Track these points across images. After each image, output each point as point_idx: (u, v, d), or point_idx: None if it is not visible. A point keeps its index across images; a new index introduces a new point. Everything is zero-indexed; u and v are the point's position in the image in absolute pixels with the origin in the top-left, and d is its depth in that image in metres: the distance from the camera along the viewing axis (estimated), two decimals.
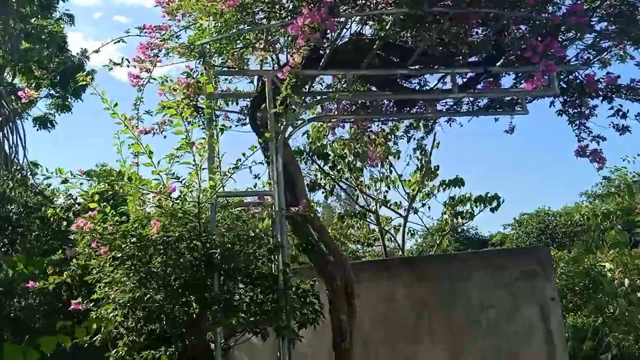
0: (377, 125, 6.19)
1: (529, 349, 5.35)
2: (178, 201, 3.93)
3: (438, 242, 11.16)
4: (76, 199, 8.55)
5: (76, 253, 3.92)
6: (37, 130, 13.98)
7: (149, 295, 3.80)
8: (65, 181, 3.61)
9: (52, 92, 13.99)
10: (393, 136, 6.70)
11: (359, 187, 9.44)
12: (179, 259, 3.91)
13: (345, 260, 4.45)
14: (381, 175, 8.88)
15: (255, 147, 4.33)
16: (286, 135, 4.49)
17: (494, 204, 9.54)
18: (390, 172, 9.00)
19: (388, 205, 10.13)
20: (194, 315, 4.15)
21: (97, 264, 4.00)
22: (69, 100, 14.31)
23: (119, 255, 3.70)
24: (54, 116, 14.17)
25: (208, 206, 4.14)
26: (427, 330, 5.54)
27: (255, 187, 4.39)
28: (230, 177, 4.12)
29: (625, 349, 5.98)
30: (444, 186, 9.87)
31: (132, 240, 3.79)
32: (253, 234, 4.11)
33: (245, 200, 4.69)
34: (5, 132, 12.04)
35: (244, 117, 5.21)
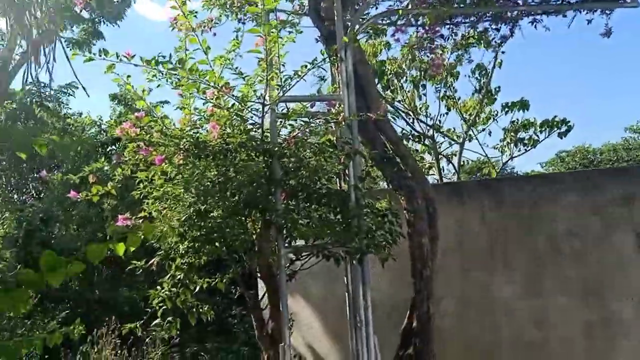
0: (449, 29, 5.40)
1: (619, 281, 4.75)
2: (239, 103, 3.35)
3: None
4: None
5: (122, 161, 3.42)
6: (71, 51, 13.42)
7: (208, 212, 3.32)
8: (111, 67, 3.04)
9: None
10: (465, 43, 5.89)
11: (414, 110, 8.72)
12: (239, 172, 3.38)
13: (425, 176, 3.85)
14: (442, 93, 8.12)
15: (319, 40, 3.68)
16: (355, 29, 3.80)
17: (563, 128, 8.70)
18: (454, 90, 8.21)
19: (441, 130, 9.41)
20: (255, 236, 3.68)
21: (146, 176, 3.52)
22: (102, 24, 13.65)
23: (177, 163, 3.18)
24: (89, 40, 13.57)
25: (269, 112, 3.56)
26: (504, 259, 4.98)
27: (319, 92, 3.77)
28: (301, 77, 3.48)
29: None
30: (506, 109, 9.05)
31: (188, 146, 3.25)
32: (320, 144, 3.53)
33: (309, 108, 4.09)
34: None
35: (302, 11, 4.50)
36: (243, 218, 3.57)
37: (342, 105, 3.66)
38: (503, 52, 6.76)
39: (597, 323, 4.76)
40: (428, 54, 5.63)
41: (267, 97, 3.36)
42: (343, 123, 3.44)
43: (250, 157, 3.49)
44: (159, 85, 3.36)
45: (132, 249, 1.99)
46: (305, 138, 3.46)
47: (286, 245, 3.56)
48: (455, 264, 4.97)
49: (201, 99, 3.46)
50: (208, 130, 3.45)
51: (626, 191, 4.76)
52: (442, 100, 8.37)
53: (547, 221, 4.91)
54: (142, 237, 1.97)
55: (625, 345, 4.70)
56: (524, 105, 8.77)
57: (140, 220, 3.50)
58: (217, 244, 3.42)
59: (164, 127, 3.43)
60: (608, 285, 4.76)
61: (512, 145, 9.46)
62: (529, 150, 8.99)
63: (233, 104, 3.36)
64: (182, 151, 3.28)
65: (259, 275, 3.85)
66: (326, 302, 5.59)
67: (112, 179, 3.39)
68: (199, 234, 3.38)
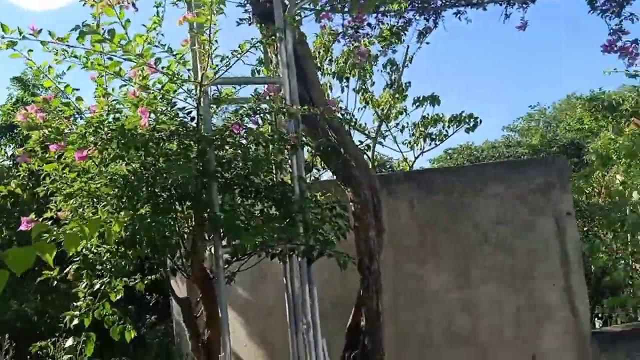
0: (375, 17, 5.28)
1: (543, 266, 4.91)
2: (171, 82, 2.92)
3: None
4: None
5: (27, 154, 2.85)
6: None
7: (135, 210, 2.87)
8: (12, 44, 2.49)
9: None
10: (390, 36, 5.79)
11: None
12: (171, 164, 2.96)
13: (369, 167, 3.65)
14: (358, 86, 8.03)
15: (250, 21, 3.35)
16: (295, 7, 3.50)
17: (471, 123, 8.97)
18: (373, 83, 8.14)
19: (355, 125, 9.36)
20: (187, 235, 3.27)
21: (54, 168, 2.97)
22: None
23: (104, 154, 2.69)
24: None
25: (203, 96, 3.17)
26: (434, 250, 4.96)
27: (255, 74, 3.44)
28: (240, 57, 3.10)
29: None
30: (417, 104, 9.16)
31: (112, 136, 2.77)
32: (264, 133, 3.20)
33: (238, 94, 3.72)
34: None
35: None
36: (174, 215, 3.15)
37: (281, 90, 3.35)
38: (427, 43, 6.77)
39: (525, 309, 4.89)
40: (352, 43, 5.47)
41: (201, 77, 2.97)
42: (285, 111, 3.13)
43: (183, 147, 3.08)
44: (70, 67, 2.84)
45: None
46: (255, 127, 3.11)
47: (224, 244, 3.19)
48: (388, 257, 4.85)
49: (123, 80, 2.99)
50: (128, 116, 2.98)
51: (546, 180, 4.93)
52: (358, 94, 8.30)
53: (473, 212, 4.96)
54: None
55: (550, 329, 4.87)
56: (434, 99, 8.90)
57: (49, 222, 2.96)
58: (143, 244, 2.98)
59: (77, 113, 2.91)
60: (534, 270, 4.90)
61: (421, 140, 9.61)
62: (438, 145, 9.18)
63: (163, 85, 2.93)
64: (103, 142, 2.79)
65: (188, 278, 3.44)
66: (249, 304, 5.24)
67: (14, 176, 2.82)
68: (124, 235, 2.91)
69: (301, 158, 3.34)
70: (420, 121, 9.42)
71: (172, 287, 3.42)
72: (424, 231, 4.95)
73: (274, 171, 3.41)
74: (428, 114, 9.13)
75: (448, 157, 25.60)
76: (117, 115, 2.99)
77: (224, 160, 3.28)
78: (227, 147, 3.08)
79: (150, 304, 5.83)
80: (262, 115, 3.09)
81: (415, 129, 9.60)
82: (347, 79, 6.98)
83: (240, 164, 3.30)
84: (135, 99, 2.83)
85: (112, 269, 2.93)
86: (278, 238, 3.13)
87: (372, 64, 7.13)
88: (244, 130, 3.02)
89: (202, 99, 3.04)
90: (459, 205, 4.97)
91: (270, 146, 3.08)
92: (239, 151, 3.00)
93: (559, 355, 4.90)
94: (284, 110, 3.12)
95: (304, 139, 3.35)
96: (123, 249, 2.90)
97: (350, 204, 3.49)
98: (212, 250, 3.24)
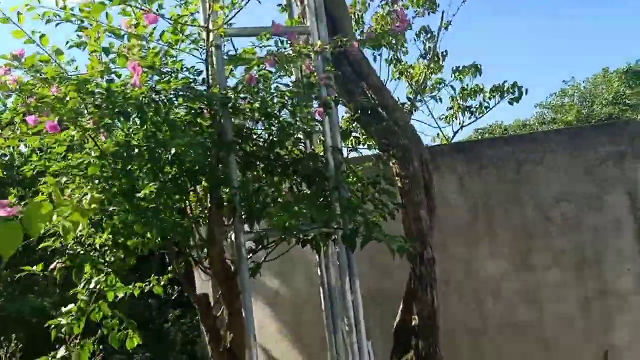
0: None
1: (615, 247, 4.25)
2: (173, 27, 2.34)
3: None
4: None
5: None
6: None
7: (135, 191, 2.32)
8: None
9: None
10: None
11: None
12: (176, 133, 2.40)
13: (417, 133, 3.04)
14: (393, 57, 7.36)
15: None
16: None
17: (516, 93, 8.20)
18: (406, 52, 7.45)
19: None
20: (201, 220, 2.73)
21: (41, 144, 2.45)
22: None
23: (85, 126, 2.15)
24: None
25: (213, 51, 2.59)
26: (488, 232, 4.33)
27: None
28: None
29: None
30: (457, 75, 8.43)
31: (101, 102, 2.21)
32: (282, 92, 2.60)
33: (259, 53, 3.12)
34: None
35: None
36: (184, 197, 2.60)
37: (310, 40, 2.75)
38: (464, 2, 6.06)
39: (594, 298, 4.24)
40: (390, 3, 4.82)
41: (210, 23, 2.39)
42: (316, 56, 2.52)
43: (191, 112, 2.52)
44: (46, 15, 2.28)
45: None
46: (271, 76, 2.51)
47: (247, 230, 2.64)
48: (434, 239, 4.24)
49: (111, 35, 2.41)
50: (127, 75, 2.42)
51: (618, 148, 4.23)
52: (390, 65, 7.63)
53: (533, 187, 4.31)
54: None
55: (623, 320, 4.22)
56: (476, 69, 8.14)
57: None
58: (149, 235, 2.44)
59: (61, 71, 2.35)
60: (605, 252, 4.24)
61: (459, 114, 8.87)
62: (479, 118, 8.45)
63: (162, 33, 2.36)
64: (91, 110, 2.24)
65: (205, 272, 2.89)
66: (278, 296, 4.71)
67: None
68: (122, 222, 2.38)
69: (335, 123, 2.74)
70: (459, 93, 8.69)
71: (187, 281, 2.88)
72: (475, 210, 4.33)
73: (302, 140, 2.83)
74: (467, 85, 8.41)
75: (479, 137, 24.67)
76: (111, 75, 2.43)
77: (244, 129, 2.73)
78: (245, 109, 2.50)
79: (174, 297, 5.34)
80: (284, 65, 2.48)
81: (454, 101, 8.86)
82: (380, 47, 6.31)
83: (262, 132, 2.74)
84: (128, 51, 2.26)
85: (109, 264, 2.40)
86: (312, 220, 2.56)
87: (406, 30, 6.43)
88: (265, 83, 2.42)
89: (212, 51, 2.46)
90: (516, 180, 4.32)
91: (296, 106, 2.48)
92: (259, 113, 2.40)
93: (635, 350, 4.25)
94: (310, 52, 2.51)
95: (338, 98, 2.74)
96: (122, 239, 2.36)
97: (397, 178, 2.88)
98: (233, 238, 2.68)
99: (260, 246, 2.72)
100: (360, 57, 2.87)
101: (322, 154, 2.82)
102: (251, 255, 2.79)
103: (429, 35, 8.47)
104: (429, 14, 7.36)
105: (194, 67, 2.61)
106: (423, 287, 2.77)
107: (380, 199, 2.70)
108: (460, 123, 8.77)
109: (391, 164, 2.88)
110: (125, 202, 2.37)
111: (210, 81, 2.58)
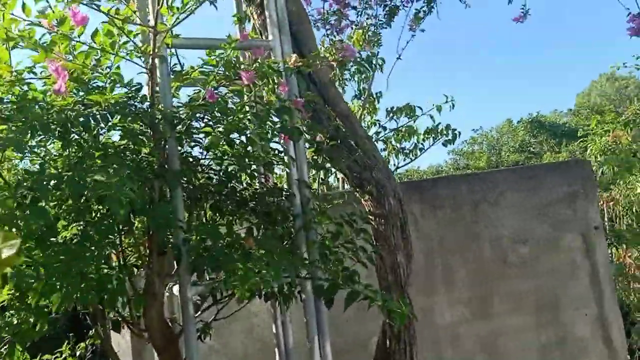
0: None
1: (571, 290, 4.09)
2: (112, 24, 1.85)
3: None
4: None
5: None
6: None
7: (53, 233, 1.77)
8: None
9: None
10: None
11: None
12: (111, 159, 1.89)
13: (389, 168, 2.69)
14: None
15: None
16: None
17: (449, 135, 8.21)
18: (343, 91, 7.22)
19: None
20: (136, 269, 2.21)
21: None
22: None
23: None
24: None
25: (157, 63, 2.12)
26: (446, 276, 4.04)
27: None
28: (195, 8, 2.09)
29: None
30: (391, 115, 8.34)
31: (9, 114, 1.66)
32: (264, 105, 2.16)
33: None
34: None
35: None
36: (116, 241, 2.06)
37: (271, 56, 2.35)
38: (423, 31, 5.98)
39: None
40: (336, 33, 4.56)
41: (155, 18, 1.93)
42: (288, 73, 2.12)
43: (127, 134, 2.01)
44: None
45: None
46: (245, 93, 2.07)
47: (194, 281, 2.12)
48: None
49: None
50: (47, 82, 1.89)
51: (570, 188, 4.14)
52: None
53: (489, 227, 4.10)
54: None
55: None
56: (410, 110, 8.07)
57: None
58: (73, 291, 1.86)
59: None
60: (562, 295, 4.06)
61: (392, 155, 8.75)
62: (413, 160, 8.37)
63: (95, 32, 1.87)
64: None
65: (139, 335, 2.31)
66: (210, 356, 4.09)
67: None
68: (35, 275, 1.80)
69: (303, 152, 2.33)
70: (393, 134, 8.59)
71: (110, 349, 2.29)
72: (431, 253, 4.04)
73: (262, 172, 2.39)
74: (402, 127, 8.34)
75: (399, 181, 25.26)
76: (25, 83, 1.89)
77: (190, 159, 2.25)
78: (196, 134, 2.04)
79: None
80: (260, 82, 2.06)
81: (387, 143, 8.74)
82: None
83: (211, 162, 2.29)
84: (49, 48, 1.74)
85: (14, 332, 1.80)
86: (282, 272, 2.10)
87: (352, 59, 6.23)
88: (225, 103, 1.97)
89: (156, 62, 1.99)
90: (471, 220, 4.09)
91: (261, 131, 2.05)
92: (221, 138, 1.94)
93: None
94: (277, 67, 2.10)
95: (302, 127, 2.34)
96: (29, 298, 1.77)
97: (368, 217, 2.50)
98: (176, 291, 2.16)
99: (211, 301, 2.21)
100: (328, 79, 2.50)
101: (285, 188, 2.40)
102: (199, 313, 2.27)
103: (363, 76, 8.38)
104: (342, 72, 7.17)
105: (131, 80, 2.13)
106: (401, 348, 2.36)
107: (354, 243, 2.29)
108: (395, 164, 8.64)
109: (363, 201, 2.50)
110: (38, 248, 1.81)
111: (154, 100, 2.10)
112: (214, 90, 1.94)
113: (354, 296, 1.78)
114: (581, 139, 10.23)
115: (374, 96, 8.45)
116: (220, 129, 1.90)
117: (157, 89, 2.14)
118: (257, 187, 2.41)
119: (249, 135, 2.12)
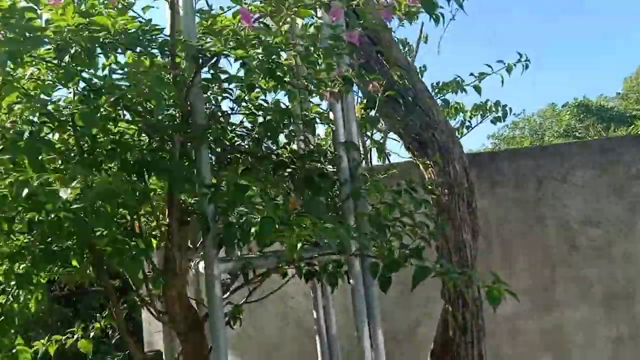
0: None
1: None
2: None
3: None
4: None
5: None
6: None
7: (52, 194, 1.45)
8: None
9: None
10: None
11: None
12: (125, 103, 1.56)
13: (454, 129, 2.29)
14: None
15: None
16: None
17: (499, 112, 7.64)
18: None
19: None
20: (157, 239, 1.88)
21: None
22: None
23: None
24: None
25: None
26: (504, 261, 3.61)
27: None
28: None
29: None
30: (436, 91, 7.83)
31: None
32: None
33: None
34: None
35: None
36: (132, 204, 1.73)
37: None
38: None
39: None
40: None
41: None
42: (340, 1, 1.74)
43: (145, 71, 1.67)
44: None
45: None
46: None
47: (222, 257, 1.78)
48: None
49: None
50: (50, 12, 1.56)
51: None
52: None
53: (556, 207, 3.64)
54: None
55: None
56: (458, 86, 7.54)
57: None
58: (75, 261, 1.55)
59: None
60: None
61: None
62: (460, 138, 7.87)
63: None
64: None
65: (158, 318, 1.99)
66: (241, 341, 3.75)
67: None
68: (33, 241, 1.49)
69: (351, 108, 1.95)
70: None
71: (129, 332, 1.97)
72: (488, 235, 3.61)
73: (302, 131, 2.02)
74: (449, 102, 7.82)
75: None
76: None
77: (218, 113, 1.91)
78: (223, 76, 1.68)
79: (113, 342, 4.28)
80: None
81: None
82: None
83: (249, 120, 1.94)
84: None
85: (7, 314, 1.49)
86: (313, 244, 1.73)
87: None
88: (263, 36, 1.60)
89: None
90: (535, 199, 3.64)
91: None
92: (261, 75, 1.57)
93: None
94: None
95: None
96: (30, 265, 1.47)
97: (428, 186, 2.10)
98: (202, 267, 1.81)
99: (243, 279, 1.87)
100: (380, 21, 2.10)
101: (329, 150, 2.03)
102: (227, 294, 1.93)
103: (406, 49, 7.88)
104: (410, 23, 6.75)
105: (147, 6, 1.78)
106: (467, 340, 1.97)
107: (411, 216, 1.90)
108: None
109: (422, 168, 2.10)
110: (35, 211, 1.49)
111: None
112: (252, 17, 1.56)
113: (426, 272, 1.40)
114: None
115: (418, 70, 7.94)
116: (255, 63, 1.52)
117: (181, 27, 1.78)
118: (297, 148, 2.05)
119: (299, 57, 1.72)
